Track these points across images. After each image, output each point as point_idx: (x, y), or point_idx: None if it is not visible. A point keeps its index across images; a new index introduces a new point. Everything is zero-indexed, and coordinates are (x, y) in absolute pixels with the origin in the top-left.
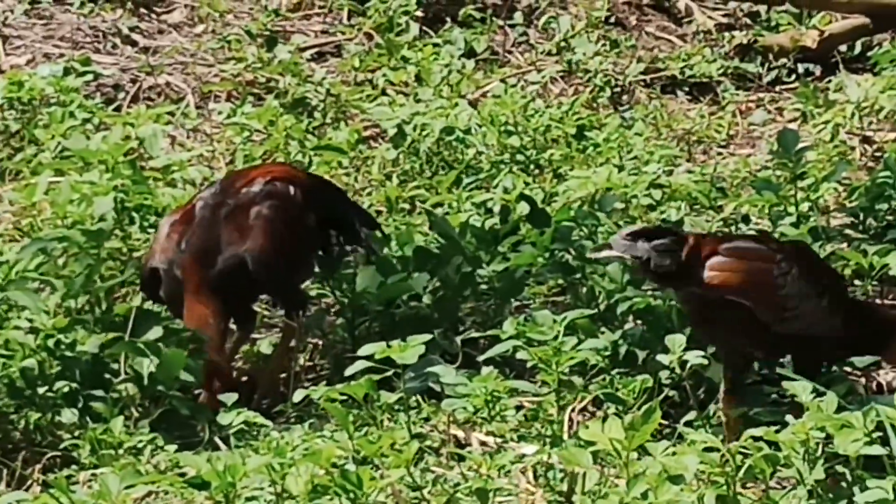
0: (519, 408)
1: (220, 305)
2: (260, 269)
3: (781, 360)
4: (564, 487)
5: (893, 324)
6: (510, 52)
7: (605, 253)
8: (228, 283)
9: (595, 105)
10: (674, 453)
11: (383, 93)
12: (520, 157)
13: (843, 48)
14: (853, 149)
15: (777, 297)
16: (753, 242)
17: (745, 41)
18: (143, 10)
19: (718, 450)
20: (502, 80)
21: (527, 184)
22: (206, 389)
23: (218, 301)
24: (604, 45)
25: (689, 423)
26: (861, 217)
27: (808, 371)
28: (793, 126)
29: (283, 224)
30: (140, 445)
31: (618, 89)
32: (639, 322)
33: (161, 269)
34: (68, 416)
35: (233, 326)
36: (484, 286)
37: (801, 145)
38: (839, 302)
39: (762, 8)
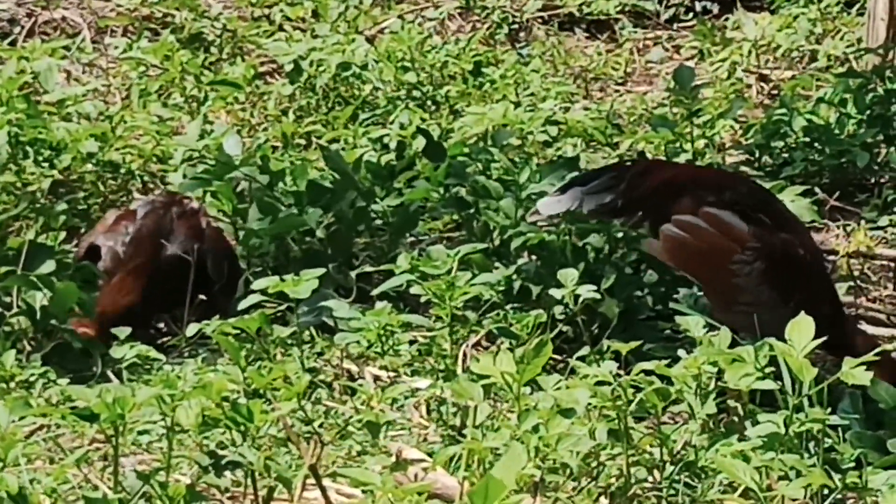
0: (412, 342)
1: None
2: (216, 268)
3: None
4: (457, 421)
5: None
6: None
7: (541, 215)
8: (173, 270)
9: (492, 42)
10: (566, 387)
11: (280, 28)
12: (416, 94)
13: None
14: (749, 86)
15: (729, 283)
16: (737, 217)
17: None
18: None
19: (610, 384)
20: (400, 16)
21: (423, 120)
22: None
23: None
24: None
25: (581, 358)
26: (757, 154)
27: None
28: (690, 64)
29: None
30: (32, 379)
31: (515, 26)
32: (533, 257)
33: (103, 246)
34: None
35: None
36: (378, 221)
37: (697, 82)
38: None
39: None
